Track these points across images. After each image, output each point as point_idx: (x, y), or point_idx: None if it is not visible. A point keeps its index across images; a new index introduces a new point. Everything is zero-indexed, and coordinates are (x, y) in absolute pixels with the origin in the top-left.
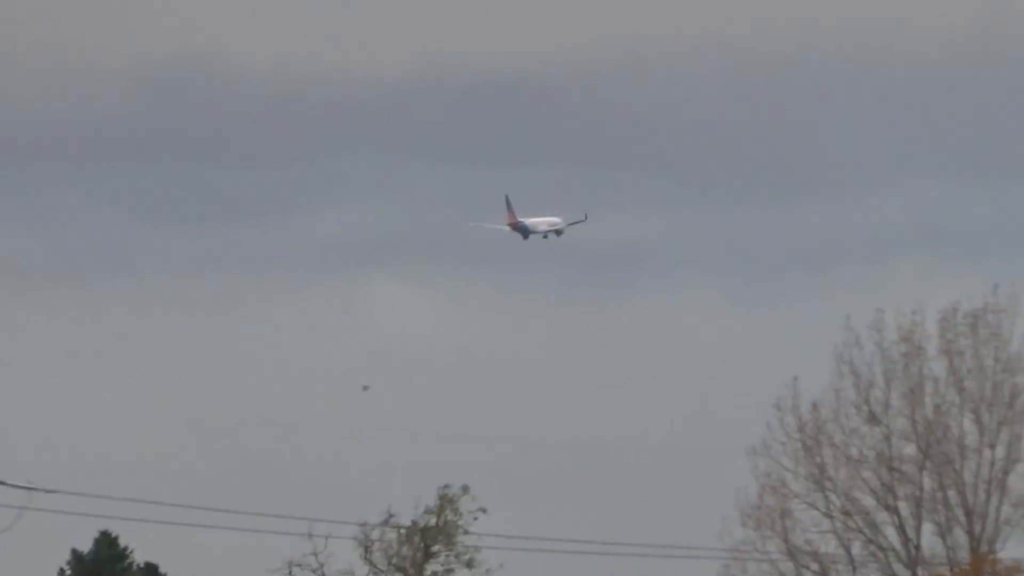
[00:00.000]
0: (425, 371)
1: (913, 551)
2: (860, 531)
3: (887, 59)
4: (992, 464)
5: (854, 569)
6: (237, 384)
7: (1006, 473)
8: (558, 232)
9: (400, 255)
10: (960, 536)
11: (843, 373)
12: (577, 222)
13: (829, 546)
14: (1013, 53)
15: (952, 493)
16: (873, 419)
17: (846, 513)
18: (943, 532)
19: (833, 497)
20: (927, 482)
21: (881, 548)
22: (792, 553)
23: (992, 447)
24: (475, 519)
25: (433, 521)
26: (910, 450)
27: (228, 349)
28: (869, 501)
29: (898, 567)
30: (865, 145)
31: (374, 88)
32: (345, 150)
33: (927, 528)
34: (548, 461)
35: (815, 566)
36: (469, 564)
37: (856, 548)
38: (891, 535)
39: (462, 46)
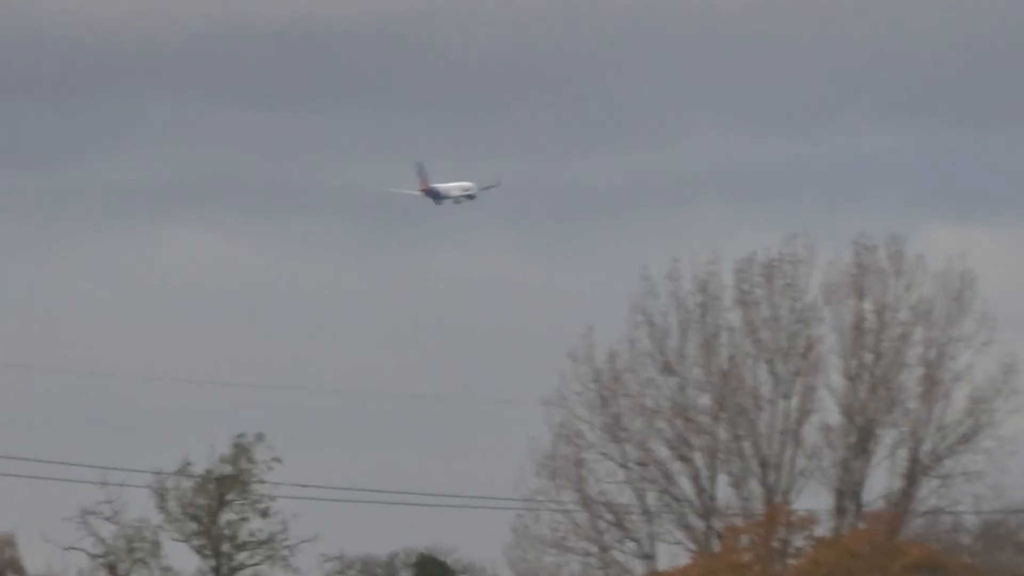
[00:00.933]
0: (223, 319)
1: (708, 502)
2: (655, 481)
3: (686, 9)
4: (787, 415)
5: (649, 519)
6: (32, 331)
7: (800, 424)
8: (470, 196)
9: (200, 201)
10: (755, 487)
11: (638, 323)
12: (490, 186)
13: (624, 496)
14: (811, 3)
15: (747, 444)
16: (668, 369)
17: (641, 463)
18: (738, 483)
19: (628, 447)
20: (722, 432)
21: (676, 498)
22: (587, 503)
23: (787, 398)
24: (270, 468)
25: (228, 470)
26: (705, 400)
27: (21, 294)
28: (664, 451)
29: (693, 518)
30: (664, 93)
31: (177, 36)
32: (146, 96)
33: (722, 479)
34: (344, 411)
35: (610, 516)
36: (264, 513)
37: (651, 498)
38: (686, 485)
39: None
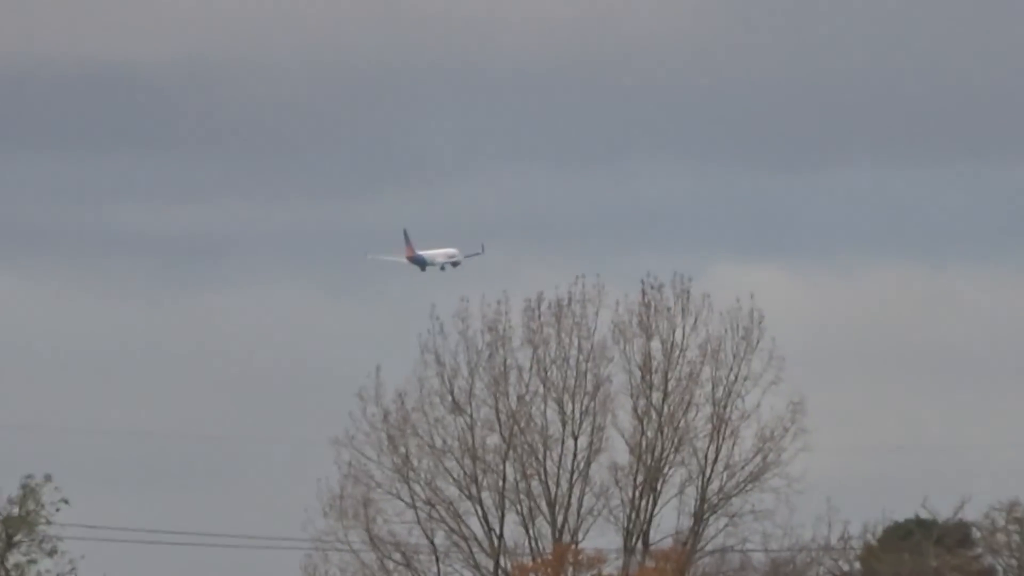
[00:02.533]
0: (11, 361)
1: (496, 541)
2: (443, 521)
3: (479, 48)
4: (575, 454)
5: (437, 559)
6: None
7: (589, 463)
8: (455, 263)
9: None
10: (543, 526)
11: (427, 362)
12: (475, 254)
13: (413, 536)
14: (608, 48)
15: (535, 483)
16: (457, 409)
17: (429, 503)
18: (526, 522)
19: (417, 487)
20: (510, 472)
21: (464, 538)
22: (375, 543)
23: (575, 437)
24: (57, 510)
25: (15, 511)
26: (494, 440)
27: None
28: (453, 491)
29: (481, 557)
30: (456, 133)
31: None
32: None
33: (510, 518)
34: (133, 453)
35: (398, 556)
36: (51, 553)
37: (440, 538)
38: (475, 525)
39: (64, 33)
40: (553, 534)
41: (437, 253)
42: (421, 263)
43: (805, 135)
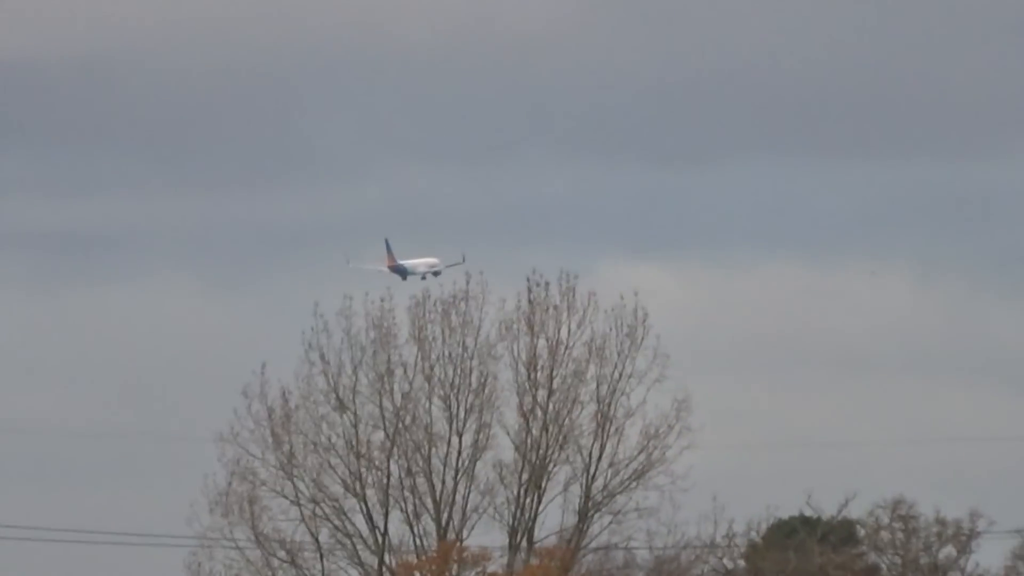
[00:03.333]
0: None
1: (380, 538)
2: (328, 519)
3: (370, 43)
4: (460, 452)
5: (322, 557)
6: None
7: (474, 461)
8: (436, 273)
9: None
10: (428, 524)
11: (312, 360)
12: (455, 264)
13: (298, 533)
14: (492, 43)
15: (420, 480)
16: (341, 406)
17: (314, 500)
18: (410, 520)
19: (301, 485)
20: (395, 469)
21: (349, 535)
22: (260, 540)
23: (460, 435)
24: None
25: None
26: (378, 437)
27: None
28: (337, 488)
29: (366, 554)
30: (345, 130)
31: None
32: None
33: (395, 516)
34: (18, 449)
35: (283, 553)
36: None
37: (324, 535)
38: (359, 522)
39: None
40: (438, 532)
41: (418, 263)
42: (402, 272)
43: (693, 131)
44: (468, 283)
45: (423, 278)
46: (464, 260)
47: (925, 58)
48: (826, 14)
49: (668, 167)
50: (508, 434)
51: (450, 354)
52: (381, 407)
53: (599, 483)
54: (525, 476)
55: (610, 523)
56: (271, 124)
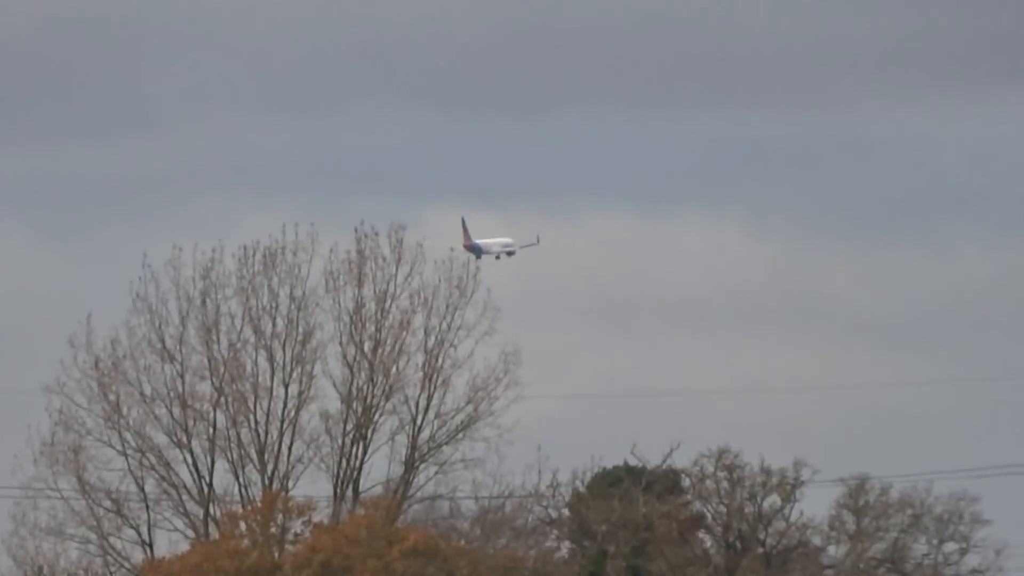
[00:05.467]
0: None
1: (206, 489)
2: (153, 468)
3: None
4: (285, 402)
5: (148, 507)
6: None
7: (299, 411)
8: (510, 253)
9: None
10: (253, 474)
11: (139, 310)
12: (530, 244)
13: (123, 484)
14: None
15: (245, 431)
16: (167, 356)
17: (140, 451)
18: (236, 470)
19: (127, 435)
20: (221, 419)
21: (174, 486)
22: (86, 490)
23: (285, 385)
24: None
25: None
26: (204, 388)
27: None
28: (163, 438)
29: (191, 504)
30: (173, 80)
31: None
32: None
33: (220, 466)
34: None
35: (109, 503)
36: None
37: (150, 486)
38: (184, 473)
39: None
40: (263, 482)
41: (493, 243)
42: (477, 251)
43: (524, 80)
44: (296, 233)
45: (497, 257)
46: (539, 241)
47: (759, 9)
48: None
49: (502, 118)
50: (334, 384)
51: (276, 305)
52: (208, 358)
53: (425, 434)
54: (350, 426)
55: (436, 473)
56: (104, 75)
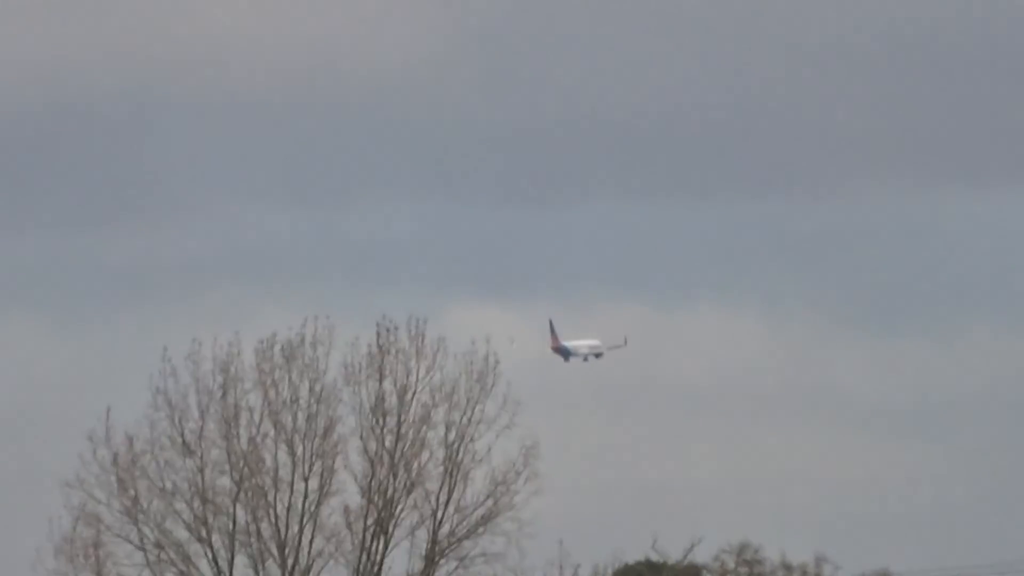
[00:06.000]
0: None
1: None
2: (173, 563)
3: (208, 83)
4: (305, 496)
5: None
6: None
7: (319, 505)
8: (597, 355)
9: None
10: (273, 569)
11: (158, 404)
12: (617, 346)
13: None
14: (336, 85)
15: (265, 525)
16: (187, 450)
17: (159, 545)
18: (255, 564)
19: (146, 529)
20: (241, 514)
21: None
22: None
23: (306, 479)
24: None
25: None
26: (224, 482)
27: None
28: (183, 533)
29: None
30: (189, 170)
31: None
32: None
33: (240, 560)
34: None
35: None
36: None
37: None
38: (204, 567)
39: None
40: None
41: (580, 344)
42: (565, 354)
43: (541, 173)
44: (315, 326)
45: (585, 359)
46: (626, 343)
47: (770, 102)
48: (672, 58)
49: (518, 210)
50: (354, 478)
51: (295, 398)
52: (228, 451)
53: (446, 528)
54: (371, 521)
55: (456, 568)
56: (114, 164)
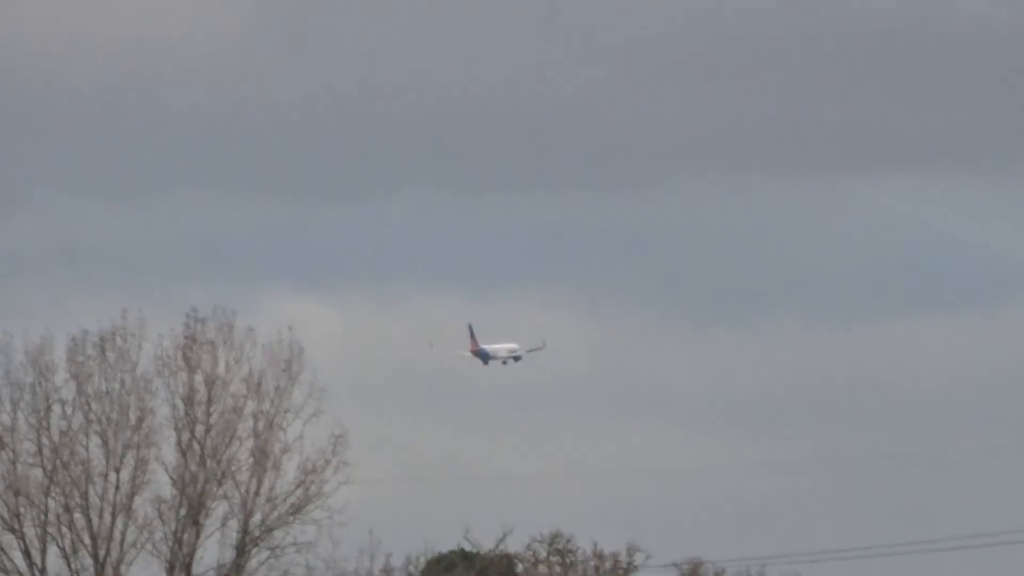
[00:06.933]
0: None
1: (38, 574)
2: None
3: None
4: (117, 487)
5: None
6: None
7: (132, 496)
8: (516, 358)
9: None
10: (86, 559)
11: None
12: (536, 349)
13: None
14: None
15: (78, 516)
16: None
17: None
18: (68, 555)
19: None
20: (53, 505)
21: (7, 572)
22: None
23: (118, 471)
24: None
25: None
26: (36, 474)
27: None
28: None
29: None
30: (6, 161)
31: None
32: None
33: (52, 551)
34: None
35: None
36: None
37: None
38: (17, 559)
39: None
40: (96, 567)
41: (499, 348)
42: (484, 357)
43: (353, 167)
44: (127, 318)
45: (504, 363)
46: (544, 345)
47: (592, 97)
48: (493, 49)
49: (332, 204)
50: (166, 470)
51: (108, 391)
52: (39, 444)
53: (257, 518)
54: (183, 511)
55: (268, 558)
56: None
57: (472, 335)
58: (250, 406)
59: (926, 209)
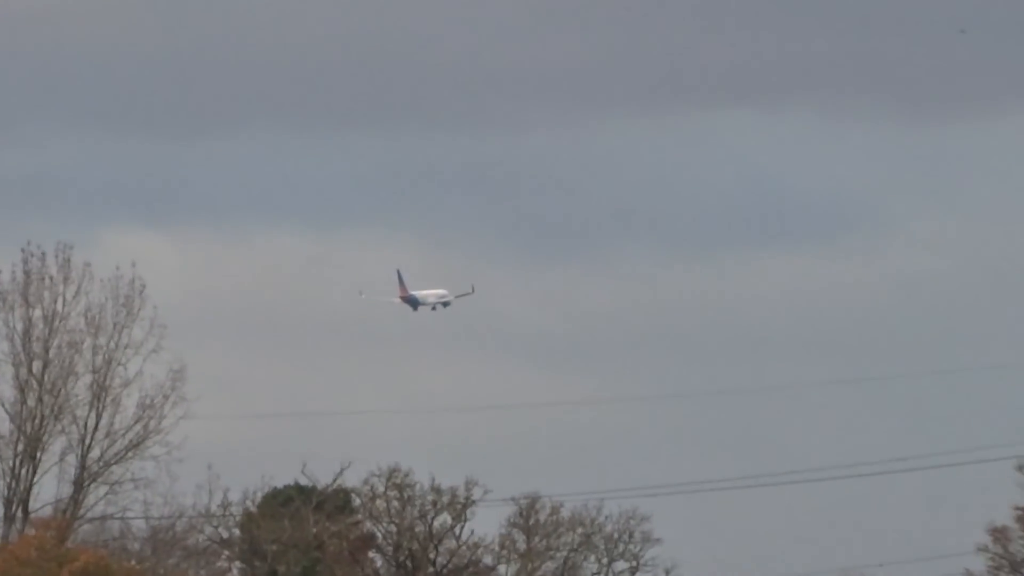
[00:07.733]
0: None
1: None
2: None
3: None
4: None
5: None
6: None
7: None
8: (445, 303)
9: None
10: None
11: None
12: (465, 294)
13: None
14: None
15: None
16: None
17: None
18: None
19: None
20: None
21: None
22: None
23: None
24: None
25: None
26: None
27: None
28: None
29: None
30: None
31: None
32: None
33: None
34: None
35: None
36: None
37: None
38: None
39: None
40: None
41: (428, 294)
42: (413, 303)
43: (196, 103)
44: None
45: (433, 308)
46: (473, 290)
47: (435, 33)
48: None
49: (174, 140)
50: (3, 405)
51: None
52: None
53: (95, 453)
54: (20, 447)
55: (106, 494)
56: None
57: (401, 282)
58: (89, 342)
59: (772, 144)
